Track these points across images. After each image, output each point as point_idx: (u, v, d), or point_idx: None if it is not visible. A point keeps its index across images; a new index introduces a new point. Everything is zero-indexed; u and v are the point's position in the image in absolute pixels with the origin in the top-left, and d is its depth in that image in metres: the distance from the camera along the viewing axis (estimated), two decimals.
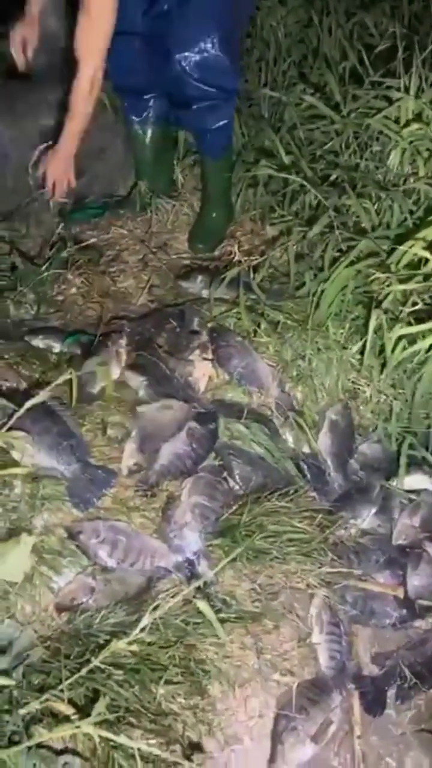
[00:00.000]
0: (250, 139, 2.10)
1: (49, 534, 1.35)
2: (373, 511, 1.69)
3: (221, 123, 1.88)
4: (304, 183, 1.80)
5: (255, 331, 1.83)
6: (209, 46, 1.76)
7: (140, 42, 1.87)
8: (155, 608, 1.07)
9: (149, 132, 2.01)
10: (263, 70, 2.17)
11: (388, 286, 1.68)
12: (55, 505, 1.40)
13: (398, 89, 1.80)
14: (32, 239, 1.99)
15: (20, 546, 1.20)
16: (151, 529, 1.44)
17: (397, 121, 1.79)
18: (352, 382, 1.87)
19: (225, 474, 1.57)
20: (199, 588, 1.30)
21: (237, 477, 1.58)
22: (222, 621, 1.27)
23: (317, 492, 1.67)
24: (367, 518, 1.68)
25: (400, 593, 1.54)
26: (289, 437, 1.74)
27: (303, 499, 1.57)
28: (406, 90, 1.79)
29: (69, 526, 1.38)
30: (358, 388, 1.87)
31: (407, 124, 1.76)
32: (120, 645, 1.08)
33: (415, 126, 1.74)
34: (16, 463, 1.42)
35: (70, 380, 1.34)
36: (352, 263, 1.75)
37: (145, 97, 1.96)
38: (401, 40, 1.89)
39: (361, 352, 1.77)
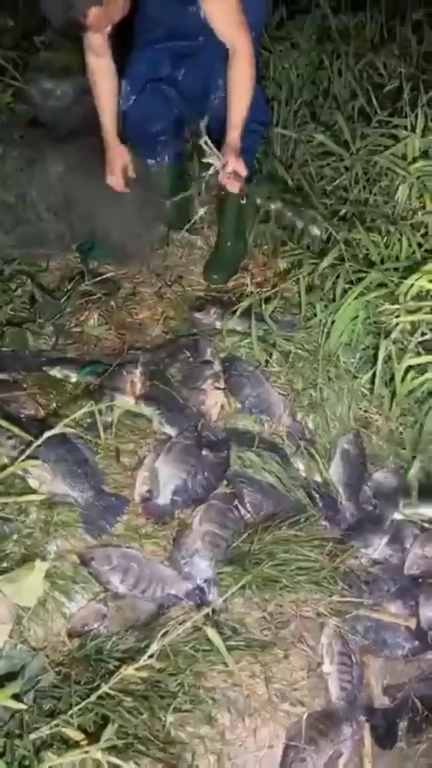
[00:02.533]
0: (263, 176, 2.17)
1: (62, 560, 1.39)
2: (385, 540, 1.69)
3: (247, 156, 1.97)
4: (317, 216, 1.85)
5: (267, 361, 1.87)
6: None
7: (165, 85, 1.98)
8: (164, 635, 1.09)
9: (165, 173, 2.09)
10: (275, 109, 2.24)
11: (397, 317, 1.71)
12: (68, 532, 1.43)
13: (405, 128, 1.85)
14: (51, 273, 2.07)
15: (34, 572, 1.24)
16: (162, 557, 1.46)
17: (404, 157, 1.84)
18: (364, 411, 1.89)
19: (236, 502, 1.59)
20: (208, 616, 1.31)
21: (248, 505, 1.60)
22: (231, 649, 1.28)
23: (329, 521, 1.68)
24: (378, 548, 1.68)
25: (412, 624, 1.54)
26: (300, 466, 1.76)
27: (314, 527, 1.59)
28: (413, 128, 1.84)
29: (82, 552, 1.41)
30: (370, 417, 1.89)
31: (414, 161, 1.82)
32: (129, 671, 1.10)
33: (421, 163, 1.79)
34: (32, 491, 1.47)
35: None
36: (361, 294, 1.79)
37: (161, 139, 2.05)
38: (407, 80, 1.95)
39: (372, 382, 1.79)
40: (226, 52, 1.79)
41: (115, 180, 2.04)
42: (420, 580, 1.62)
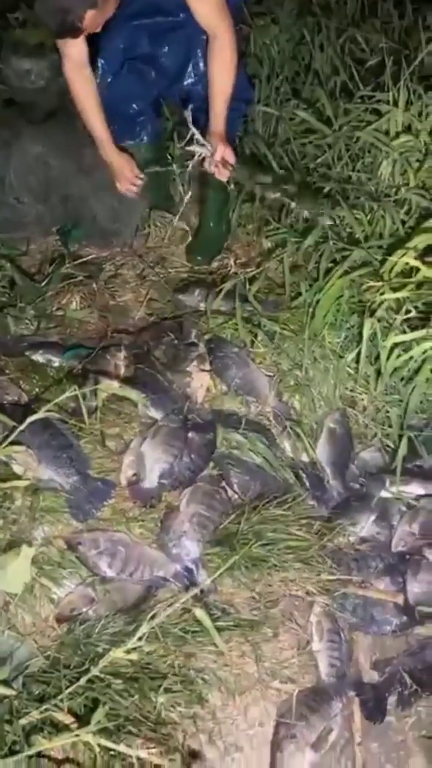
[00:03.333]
0: (245, 155, 2.13)
1: (49, 545, 1.38)
2: (372, 518, 1.69)
3: (229, 135, 1.94)
4: (288, 200, 1.83)
5: (252, 342, 1.86)
6: None
7: (142, 64, 1.93)
8: (153, 617, 1.09)
9: (143, 153, 2.05)
10: (257, 86, 2.20)
11: (381, 294, 1.70)
12: (54, 517, 1.42)
13: (387, 102, 1.83)
14: (31, 256, 2.04)
15: (20, 557, 1.23)
16: (150, 539, 1.46)
17: (387, 133, 1.82)
18: (350, 390, 1.89)
19: (223, 483, 1.59)
20: (197, 596, 1.31)
21: (235, 486, 1.59)
22: (221, 629, 1.29)
23: (316, 500, 1.69)
24: (366, 525, 1.68)
25: (400, 600, 1.55)
26: (287, 446, 1.76)
27: (301, 507, 1.59)
28: (395, 103, 1.82)
29: (68, 537, 1.40)
30: (356, 396, 1.89)
31: (397, 136, 1.80)
32: (118, 654, 1.10)
33: (404, 138, 1.77)
34: (17, 476, 1.45)
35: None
36: (346, 273, 1.78)
37: (139, 119, 2.01)
38: (390, 54, 1.92)
39: (357, 361, 1.78)
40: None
41: (128, 187, 1.99)
42: (407, 556, 1.63)
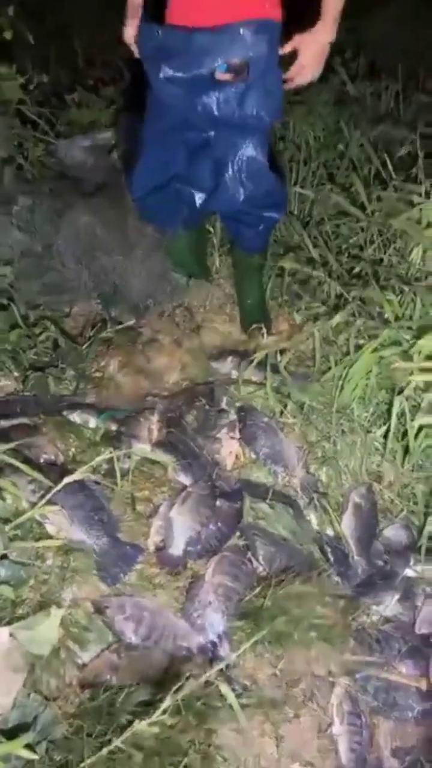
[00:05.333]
0: (280, 233, 2.25)
1: (77, 607, 1.39)
2: (396, 597, 1.68)
3: (265, 229, 2.04)
4: (325, 277, 1.92)
5: (281, 412, 1.90)
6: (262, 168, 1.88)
7: (179, 183, 1.99)
8: (177, 690, 1.10)
9: (182, 236, 2.15)
10: (294, 170, 2.34)
11: (410, 374, 1.75)
12: (83, 579, 1.44)
13: (419, 194, 1.93)
14: (74, 319, 2.13)
15: (50, 619, 1.25)
16: (175, 608, 1.47)
17: (419, 222, 1.91)
18: (377, 465, 1.91)
19: (249, 554, 1.60)
20: (220, 671, 1.31)
21: (261, 558, 1.60)
22: (242, 706, 1.27)
23: (340, 576, 1.68)
24: (389, 605, 1.67)
25: (423, 685, 1.52)
26: (313, 519, 1.77)
27: (326, 582, 1.59)
28: (427, 195, 1.92)
29: (96, 600, 1.42)
30: (382, 472, 1.91)
31: (428, 226, 1.89)
32: (141, 726, 1.10)
33: None
34: (49, 536, 1.49)
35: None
36: (375, 350, 1.83)
37: (176, 223, 2.09)
38: (421, 147, 2.04)
39: (385, 436, 1.82)
40: (237, 144, 1.84)
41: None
42: (431, 639, 1.61)
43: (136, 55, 1.87)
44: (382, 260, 1.98)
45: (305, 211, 2.27)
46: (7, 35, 2.25)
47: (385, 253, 1.99)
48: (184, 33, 1.70)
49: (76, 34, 3.31)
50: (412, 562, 1.76)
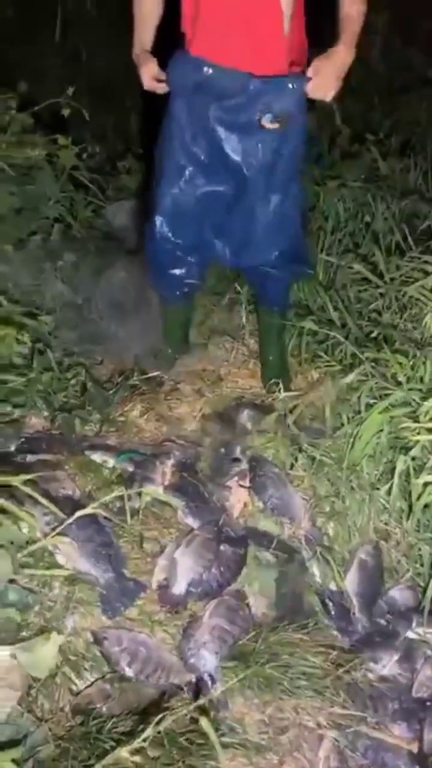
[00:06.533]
0: (304, 295, 2.37)
1: (76, 636, 1.47)
2: (396, 658, 1.68)
3: (290, 285, 2.17)
4: (342, 339, 2.01)
5: (292, 465, 1.97)
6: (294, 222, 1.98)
7: (212, 237, 2.02)
8: (159, 721, 1.15)
9: (177, 311, 2.27)
10: (321, 238, 2.48)
11: (417, 434, 1.80)
12: (86, 609, 1.52)
13: None
14: (105, 366, 2.28)
15: (49, 644, 1.33)
16: (171, 645, 1.52)
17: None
18: (384, 523, 1.94)
19: (248, 600, 1.65)
20: (204, 707, 1.35)
21: (260, 604, 1.65)
22: (226, 746, 1.31)
23: (340, 631, 1.70)
24: (388, 664, 1.67)
25: (415, 748, 1.51)
26: (316, 572, 1.80)
27: (322, 634, 1.61)
28: None
29: (96, 631, 1.49)
30: (390, 530, 1.93)
31: None
32: (123, 753, 1.16)
33: None
34: (59, 566, 1.58)
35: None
36: (386, 410, 1.90)
37: (186, 282, 2.13)
38: None
39: (389, 493, 1.85)
40: (270, 196, 1.90)
41: (152, 84, 1.90)
42: (428, 703, 1.60)
43: (156, 86, 1.87)
44: (397, 325, 2.07)
45: (330, 276, 2.39)
46: (65, 112, 2.51)
47: (400, 318, 2.08)
48: (240, 75, 1.73)
49: (133, 109, 3.64)
50: (414, 624, 1.76)
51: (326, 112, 3.16)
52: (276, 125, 1.77)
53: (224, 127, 1.81)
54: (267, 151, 1.83)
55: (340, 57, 1.71)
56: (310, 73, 1.73)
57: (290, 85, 1.75)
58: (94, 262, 2.48)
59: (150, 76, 1.89)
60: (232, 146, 1.83)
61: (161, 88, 1.89)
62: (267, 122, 1.77)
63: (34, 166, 2.43)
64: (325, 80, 1.72)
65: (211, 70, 1.75)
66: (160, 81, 1.88)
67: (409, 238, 2.25)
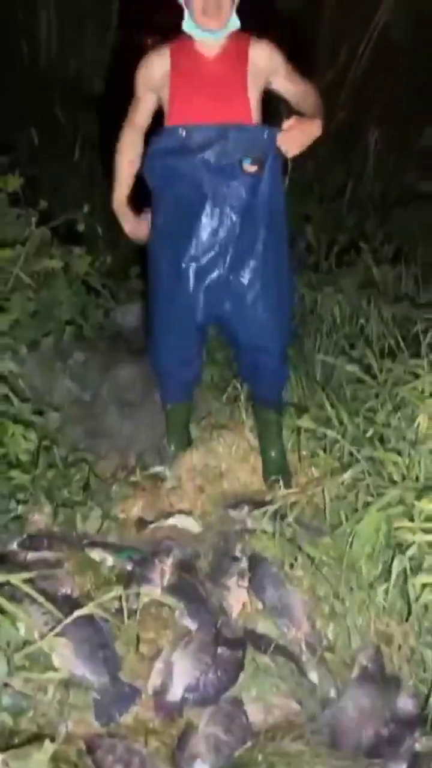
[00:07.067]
0: (303, 394, 2.47)
1: (69, 743, 1.44)
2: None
3: (283, 385, 2.27)
4: (339, 438, 2.08)
5: (291, 564, 1.98)
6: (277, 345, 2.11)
7: (201, 332, 2.14)
8: None
9: (178, 409, 2.35)
10: (318, 339, 2.62)
11: (414, 534, 1.82)
12: (80, 715, 1.50)
13: (422, 367, 2.14)
14: (108, 461, 2.35)
15: (42, 752, 1.31)
16: (164, 755, 1.48)
17: (422, 392, 2.09)
18: (385, 625, 1.92)
19: (245, 707, 1.61)
20: None
21: (256, 712, 1.61)
22: None
23: (341, 741, 1.64)
24: None
25: None
26: (315, 677, 1.76)
27: (322, 743, 1.56)
28: (431, 367, 2.13)
29: (89, 739, 1.46)
30: (391, 633, 1.90)
31: (430, 396, 2.07)
32: None
33: None
34: (54, 668, 1.57)
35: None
36: (383, 508, 1.93)
37: (187, 381, 2.27)
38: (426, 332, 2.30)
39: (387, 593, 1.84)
40: (263, 282, 2.01)
41: (133, 232, 2.14)
42: None
43: (138, 234, 2.12)
44: (391, 424, 2.14)
45: (327, 374, 2.50)
46: (80, 227, 2.73)
47: (394, 417, 2.15)
48: (217, 127, 1.88)
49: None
50: (418, 734, 1.70)
51: (321, 223, 3.42)
52: (254, 168, 1.93)
53: (208, 173, 1.91)
54: (248, 190, 1.93)
55: (312, 127, 1.89)
56: (285, 126, 1.89)
57: (265, 134, 1.92)
58: (102, 361, 2.62)
59: (130, 226, 2.13)
60: (217, 191, 1.94)
61: (143, 235, 2.11)
62: (247, 165, 1.92)
63: (51, 274, 2.61)
64: (294, 137, 1.88)
65: (184, 132, 1.89)
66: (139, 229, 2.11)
67: (401, 342, 2.37)
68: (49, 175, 3.95)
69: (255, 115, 1.96)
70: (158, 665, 1.64)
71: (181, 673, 1.62)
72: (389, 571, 1.92)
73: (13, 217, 2.63)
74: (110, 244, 3.34)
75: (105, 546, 1.95)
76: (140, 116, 2.03)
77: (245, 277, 2.02)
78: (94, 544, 1.95)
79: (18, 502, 1.98)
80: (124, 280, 3.25)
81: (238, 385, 2.57)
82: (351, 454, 2.16)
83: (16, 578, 1.55)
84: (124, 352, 2.72)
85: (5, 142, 3.70)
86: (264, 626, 1.84)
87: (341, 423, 2.29)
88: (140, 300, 3.03)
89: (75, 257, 2.75)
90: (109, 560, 1.90)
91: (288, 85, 1.98)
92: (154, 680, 1.62)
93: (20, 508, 1.97)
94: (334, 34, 5.44)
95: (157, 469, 2.26)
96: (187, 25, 1.92)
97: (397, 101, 5.15)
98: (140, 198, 2.13)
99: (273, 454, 2.36)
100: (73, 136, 4.52)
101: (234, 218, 1.96)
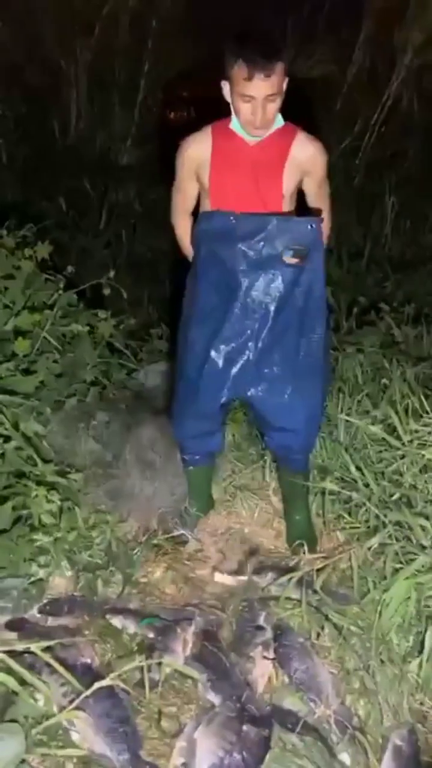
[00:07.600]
0: (327, 455, 2.44)
1: None
2: None
3: (310, 453, 2.26)
4: (365, 501, 2.04)
5: (318, 635, 1.90)
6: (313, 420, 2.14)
7: (225, 408, 2.19)
8: None
9: (201, 472, 2.36)
10: (342, 399, 2.61)
11: None
12: None
13: None
14: (130, 524, 2.32)
15: None
16: None
17: None
18: (420, 702, 1.82)
19: None
20: None
21: None
22: None
23: None
24: None
25: None
26: (346, 758, 1.67)
27: None
28: None
29: None
30: (427, 711, 1.80)
31: None
32: None
33: None
34: (73, 744, 1.51)
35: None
36: (412, 576, 1.86)
37: (210, 451, 2.30)
38: None
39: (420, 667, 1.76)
40: (293, 369, 2.04)
41: None
42: None
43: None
44: (417, 486, 2.10)
45: (350, 437, 2.47)
46: (106, 291, 2.81)
47: (421, 480, 2.11)
48: (260, 217, 1.93)
49: (165, 282, 4.03)
50: None
51: (342, 284, 3.46)
52: (296, 260, 1.96)
53: (247, 262, 1.95)
54: (287, 282, 1.97)
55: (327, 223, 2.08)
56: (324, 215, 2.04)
57: (309, 226, 1.96)
58: (124, 421, 2.62)
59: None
60: (255, 280, 1.97)
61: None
62: (288, 257, 1.95)
63: (76, 336, 2.66)
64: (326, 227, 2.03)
65: (234, 219, 1.93)
66: None
67: (425, 402, 2.35)
68: (76, 242, 4.10)
69: (288, 204, 2.03)
70: (181, 743, 1.56)
71: (205, 752, 1.54)
72: (422, 643, 1.84)
73: (41, 282, 2.72)
74: (134, 305, 3.41)
75: (126, 612, 1.90)
76: (188, 203, 2.12)
77: (275, 363, 2.05)
78: (115, 611, 1.90)
79: (39, 565, 1.95)
80: (147, 341, 3.30)
81: (261, 445, 2.55)
82: (377, 517, 2.12)
83: (36, 647, 1.51)
84: (147, 412, 2.72)
85: (36, 212, 3.87)
86: (291, 702, 1.75)
87: (366, 486, 2.25)
88: (162, 360, 3.06)
89: (100, 320, 2.81)
90: (131, 628, 1.85)
91: (315, 189, 2.07)
92: (176, 760, 1.53)
93: (41, 572, 1.94)
94: (351, 104, 5.73)
95: (179, 532, 2.23)
96: (234, 125, 1.98)
97: (412, 164, 5.39)
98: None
99: (298, 517, 2.31)
100: (99, 205, 4.72)
101: (269, 306, 2.00)
